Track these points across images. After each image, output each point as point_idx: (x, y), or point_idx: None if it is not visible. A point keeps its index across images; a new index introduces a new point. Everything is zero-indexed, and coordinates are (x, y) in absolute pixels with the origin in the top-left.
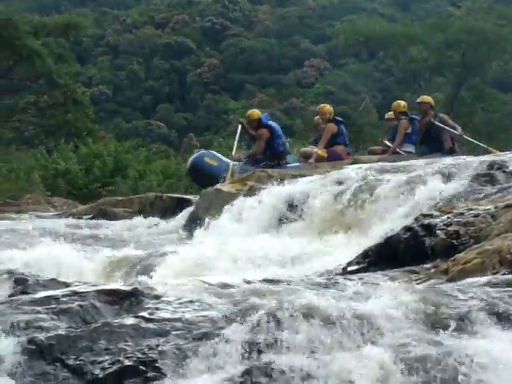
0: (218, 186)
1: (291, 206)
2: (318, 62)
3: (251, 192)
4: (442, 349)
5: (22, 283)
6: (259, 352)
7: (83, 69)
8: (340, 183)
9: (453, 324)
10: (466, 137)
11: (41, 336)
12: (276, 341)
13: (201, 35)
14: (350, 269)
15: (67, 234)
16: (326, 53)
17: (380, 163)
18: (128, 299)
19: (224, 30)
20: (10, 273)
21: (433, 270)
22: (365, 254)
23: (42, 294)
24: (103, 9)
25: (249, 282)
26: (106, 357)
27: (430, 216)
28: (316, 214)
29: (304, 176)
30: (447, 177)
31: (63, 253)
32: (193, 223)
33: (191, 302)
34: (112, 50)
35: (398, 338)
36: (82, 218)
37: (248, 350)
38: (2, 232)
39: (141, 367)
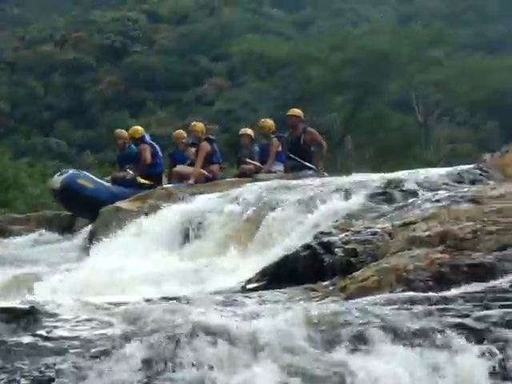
0: (118, 203)
1: (191, 224)
2: (218, 80)
3: (151, 210)
4: (337, 367)
5: None
6: (158, 370)
7: None
8: (240, 201)
9: (348, 342)
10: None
11: None
12: (175, 359)
13: (100, 52)
14: (249, 286)
15: None
16: (226, 71)
17: (280, 181)
18: (25, 317)
19: (124, 47)
20: None
21: (331, 288)
22: (264, 272)
23: None
24: (1, 25)
25: (148, 300)
26: (2, 375)
27: (329, 234)
28: (216, 231)
29: (203, 193)
30: (345, 195)
31: None
32: (91, 241)
33: (89, 320)
34: (10, 66)
35: (293, 357)
36: None
37: (147, 367)
38: None
39: None
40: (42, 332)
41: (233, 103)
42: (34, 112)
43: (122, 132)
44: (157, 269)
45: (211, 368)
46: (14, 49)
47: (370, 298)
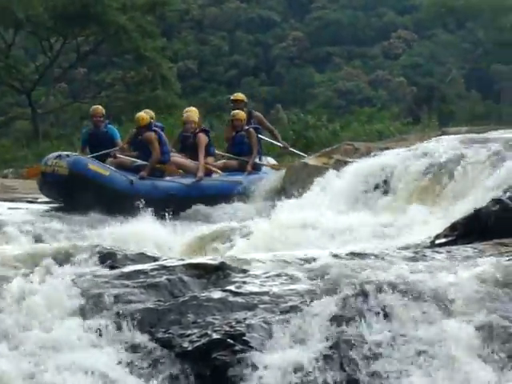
0: (305, 159)
1: (379, 179)
2: (405, 34)
3: (337, 166)
4: None
5: (111, 257)
6: (347, 325)
7: (169, 44)
8: (427, 156)
9: None
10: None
11: (130, 309)
12: (363, 314)
13: (286, 8)
14: (437, 242)
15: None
16: (413, 24)
17: (467, 135)
18: (215, 273)
19: (309, 2)
20: (100, 248)
21: None
22: (453, 227)
23: (130, 268)
24: None
25: (335, 256)
26: (195, 330)
27: None
28: (404, 187)
29: (390, 149)
30: None
31: (151, 228)
32: (279, 196)
33: (278, 275)
34: (197, 24)
35: (483, 312)
36: None
37: (335, 323)
38: None
39: (229, 340)
40: (232, 287)
41: (420, 57)
42: (220, 70)
43: (99, 108)
44: (345, 224)
45: (400, 323)
46: (200, 6)
47: None
